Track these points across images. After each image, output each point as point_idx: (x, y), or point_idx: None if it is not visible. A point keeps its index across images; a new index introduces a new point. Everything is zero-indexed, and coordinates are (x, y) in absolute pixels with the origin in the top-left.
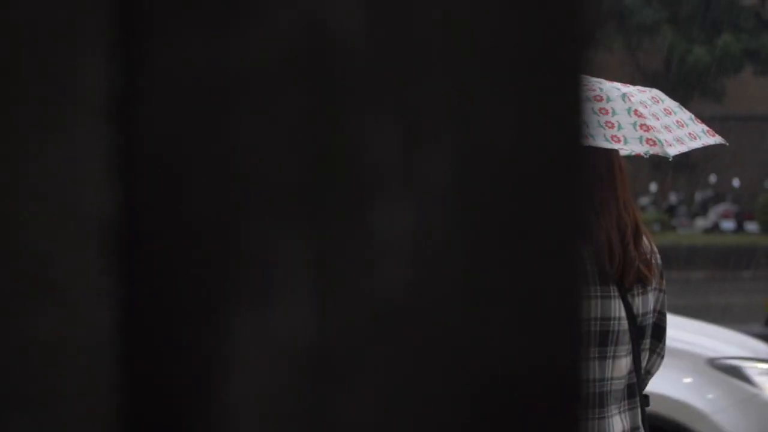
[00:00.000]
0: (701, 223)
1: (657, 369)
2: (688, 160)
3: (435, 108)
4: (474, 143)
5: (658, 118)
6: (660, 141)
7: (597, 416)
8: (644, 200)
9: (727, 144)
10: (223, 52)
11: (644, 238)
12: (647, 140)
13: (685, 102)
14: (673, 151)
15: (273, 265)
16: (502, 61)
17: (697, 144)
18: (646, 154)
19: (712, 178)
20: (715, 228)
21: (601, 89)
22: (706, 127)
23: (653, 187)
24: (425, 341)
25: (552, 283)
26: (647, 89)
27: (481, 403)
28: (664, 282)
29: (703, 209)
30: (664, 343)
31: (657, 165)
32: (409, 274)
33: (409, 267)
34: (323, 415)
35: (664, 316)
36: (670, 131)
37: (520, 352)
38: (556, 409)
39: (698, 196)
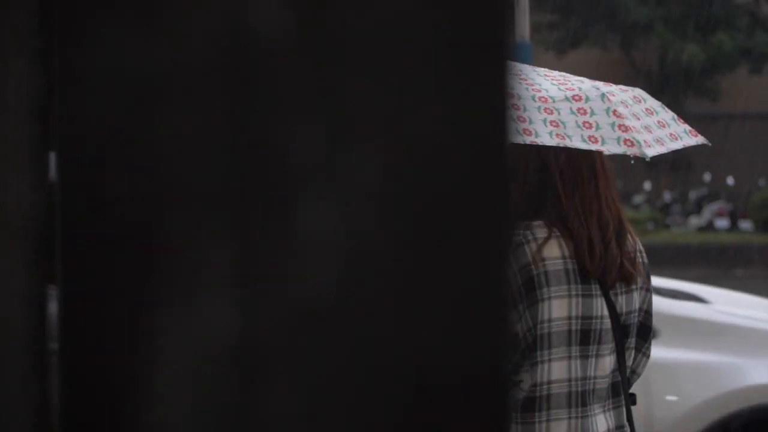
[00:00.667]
0: (695, 221)
1: (643, 369)
2: (682, 158)
3: (360, 108)
4: (400, 143)
5: (638, 118)
6: (638, 142)
7: (579, 415)
8: (638, 199)
9: (710, 144)
10: (147, 53)
11: (629, 237)
12: (625, 141)
13: (679, 100)
14: (651, 152)
15: (198, 264)
16: (428, 61)
17: (677, 145)
18: (624, 154)
19: (707, 177)
20: (709, 226)
21: (580, 89)
22: (688, 127)
23: (647, 185)
24: (350, 340)
25: (479, 282)
26: (630, 88)
27: (406, 402)
28: (650, 281)
29: (697, 208)
30: (650, 343)
31: (651, 163)
32: (334, 274)
33: (334, 266)
34: (248, 411)
35: (651, 315)
36: (650, 132)
37: (446, 352)
38: (482, 408)
39: (692, 195)
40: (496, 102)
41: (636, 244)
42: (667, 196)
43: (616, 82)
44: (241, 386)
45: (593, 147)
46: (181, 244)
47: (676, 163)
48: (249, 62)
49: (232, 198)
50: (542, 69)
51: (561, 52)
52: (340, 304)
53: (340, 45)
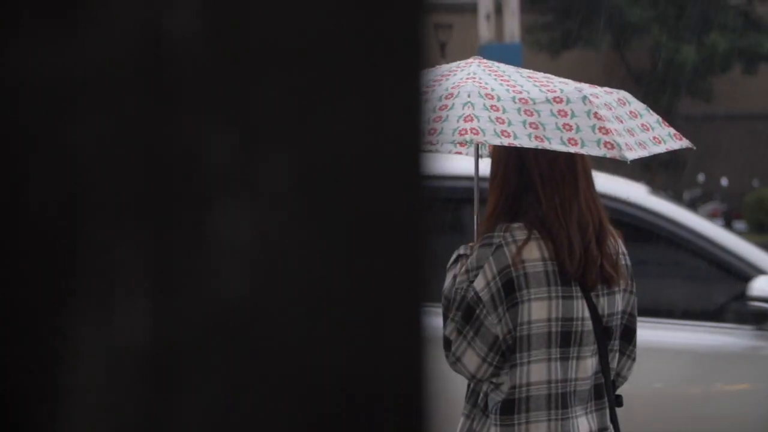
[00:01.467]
0: None
1: (629, 372)
2: (676, 159)
3: (275, 112)
4: (314, 147)
5: (621, 121)
6: (618, 144)
7: (560, 417)
8: None
9: (695, 148)
10: (60, 57)
11: (611, 239)
12: (605, 143)
13: (673, 101)
14: (632, 155)
15: (112, 269)
16: (340, 65)
17: (660, 149)
18: (603, 157)
19: (701, 178)
20: None
21: (562, 90)
22: (673, 131)
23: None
24: (264, 345)
25: (393, 287)
26: (615, 91)
27: (321, 407)
28: (633, 284)
29: (691, 208)
30: (635, 346)
31: (646, 165)
32: (248, 278)
33: (248, 271)
34: (161, 417)
35: (635, 318)
36: (632, 135)
37: (360, 357)
38: (397, 412)
39: (686, 196)
40: (410, 105)
41: (618, 246)
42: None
43: (610, 83)
44: (154, 391)
45: (572, 149)
46: (95, 249)
47: (670, 164)
48: (162, 67)
49: (146, 203)
50: (526, 70)
51: (555, 53)
52: (252, 309)
53: (253, 50)
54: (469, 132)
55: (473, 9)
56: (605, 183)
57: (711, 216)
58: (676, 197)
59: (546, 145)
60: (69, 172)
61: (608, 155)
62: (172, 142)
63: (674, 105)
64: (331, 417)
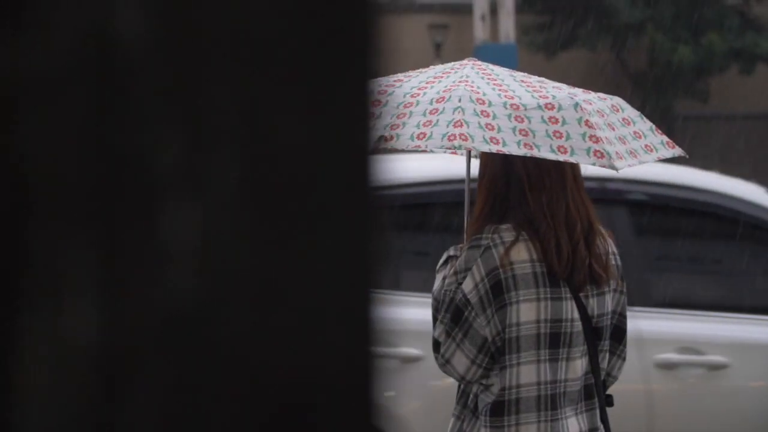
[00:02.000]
0: None
1: (619, 371)
2: (673, 159)
3: (222, 113)
4: (262, 148)
5: (613, 129)
6: (608, 153)
7: (549, 418)
8: None
9: (687, 156)
10: (6, 59)
11: (600, 239)
12: (595, 152)
13: (669, 101)
14: (621, 164)
15: (60, 268)
16: (290, 67)
17: (651, 157)
18: (592, 166)
19: None
20: None
21: (554, 97)
22: (666, 138)
23: None
24: (212, 344)
25: (342, 287)
26: (609, 97)
27: (268, 405)
28: (623, 283)
29: None
30: (625, 345)
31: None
32: (196, 278)
33: (196, 270)
34: (109, 414)
35: (625, 317)
36: (624, 143)
37: (309, 355)
38: (346, 411)
39: None
40: (358, 106)
41: (608, 246)
42: None
43: (606, 84)
44: (101, 391)
45: (561, 158)
46: (43, 251)
47: (667, 163)
48: (109, 69)
49: (96, 203)
50: (520, 74)
51: (551, 54)
52: (200, 309)
53: (201, 51)
54: (458, 138)
55: (469, 9)
56: (722, 183)
57: None
58: None
59: (535, 153)
60: (17, 175)
61: (597, 164)
62: (119, 143)
63: (671, 105)
64: (279, 414)
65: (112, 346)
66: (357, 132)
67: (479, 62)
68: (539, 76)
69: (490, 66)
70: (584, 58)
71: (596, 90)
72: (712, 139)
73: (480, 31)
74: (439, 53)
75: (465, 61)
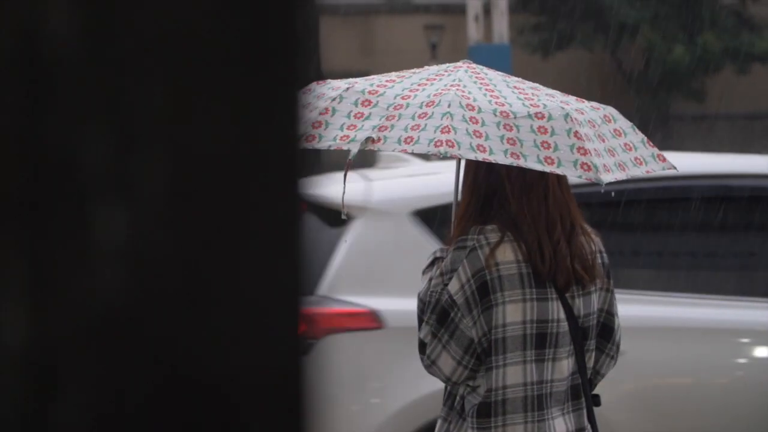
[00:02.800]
0: None
1: (608, 369)
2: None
3: (150, 114)
4: (190, 148)
5: (604, 140)
6: (595, 166)
7: (536, 419)
8: None
9: (677, 170)
10: None
11: (584, 238)
12: (582, 164)
13: (665, 101)
14: (608, 177)
15: None
16: (218, 69)
17: (640, 171)
18: (579, 178)
19: None
20: None
21: (545, 106)
22: (657, 151)
23: None
24: (142, 343)
25: (270, 288)
26: (602, 107)
27: (198, 403)
28: (611, 282)
29: None
30: (614, 343)
31: None
32: (125, 277)
33: (124, 272)
34: (39, 414)
35: (612, 315)
36: (613, 155)
37: (238, 354)
38: (274, 409)
39: None
40: (286, 108)
41: (594, 245)
42: None
43: (602, 84)
44: (33, 392)
45: (548, 168)
46: None
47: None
48: (38, 68)
49: (23, 204)
50: (514, 79)
51: (547, 54)
52: (132, 310)
53: (129, 51)
54: (444, 144)
55: (464, 10)
56: None
57: None
58: None
59: (521, 163)
60: None
61: (584, 177)
62: (48, 143)
63: (667, 105)
64: (208, 412)
65: (42, 347)
66: (285, 130)
67: (474, 65)
68: (535, 75)
69: (485, 70)
70: (580, 59)
71: (592, 90)
72: (708, 138)
73: (473, 32)
74: (435, 54)
75: (459, 64)
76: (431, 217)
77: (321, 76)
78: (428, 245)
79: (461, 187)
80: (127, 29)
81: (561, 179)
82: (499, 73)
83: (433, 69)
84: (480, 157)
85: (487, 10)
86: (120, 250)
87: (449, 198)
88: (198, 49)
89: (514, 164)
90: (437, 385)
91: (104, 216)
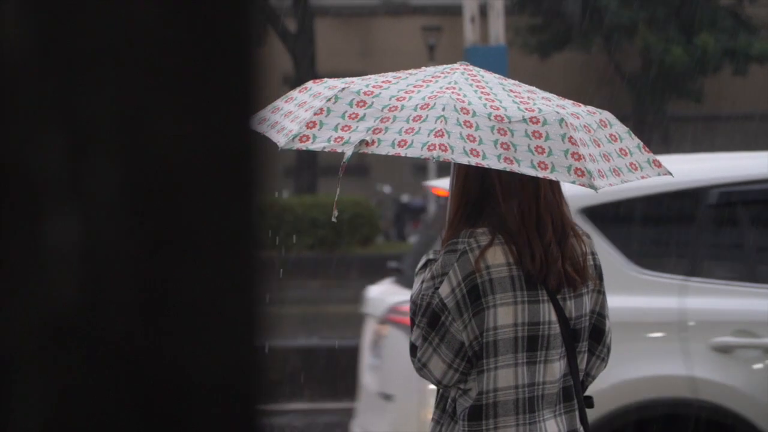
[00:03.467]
0: None
1: (599, 371)
2: None
3: (103, 119)
4: (144, 153)
5: (599, 145)
6: (589, 172)
7: (527, 421)
8: None
9: (673, 176)
10: None
11: (575, 240)
12: (576, 170)
13: (663, 103)
14: (602, 183)
15: None
16: (171, 73)
17: (635, 176)
18: (572, 184)
19: None
20: None
21: (540, 110)
22: (652, 157)
23: None
24: (94, 348)
25: (227, 291)
26: (598, 111)
27: (151, 407)
28: (602, 283)
29: None
30: (604, 345)
31: None
32: (78, 282)
33: (77, 275)
34: None
35: (604, 317)
36: (608, 160)
37: (191, 360)
38: (227, 413)
39: None
40: (239, 113)
41: (586, 246)
42: None
43: (600, 85)
44: None
45: (541, 174)
46: None
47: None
48: None
49: None
50: (511, 82)
51: (544, 55)
52: (83, 314)
53: (81, 57)
54: (437, 148)
55: (461, 11)
56: None
57: None
58: None
59: (515, 168)
60: None
61: (577, 182)
62: (0, 148)
63: (664, 106)
64: (164, 415)
65: None
66: (239, 133)
67: (470, 67)
68: (533, 77)
69: (481, 72)
70: (577, 60)
71: (589, 91)
72: (706, 139)
73: (470, 33)
74: (433, 55)
75: (456, 65)
76: (599, 215)
77: (317, 78)
78: (596, 244)
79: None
80: (79, 34)
81: (554, 182)
82: (496, 75)
83: (430, 70)
84: (473, 161)
85: (484, 12)
86: (73, 254)
87: (618, 196)
88: (150, 53)
89: (507, 169)
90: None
91: (57, 220)
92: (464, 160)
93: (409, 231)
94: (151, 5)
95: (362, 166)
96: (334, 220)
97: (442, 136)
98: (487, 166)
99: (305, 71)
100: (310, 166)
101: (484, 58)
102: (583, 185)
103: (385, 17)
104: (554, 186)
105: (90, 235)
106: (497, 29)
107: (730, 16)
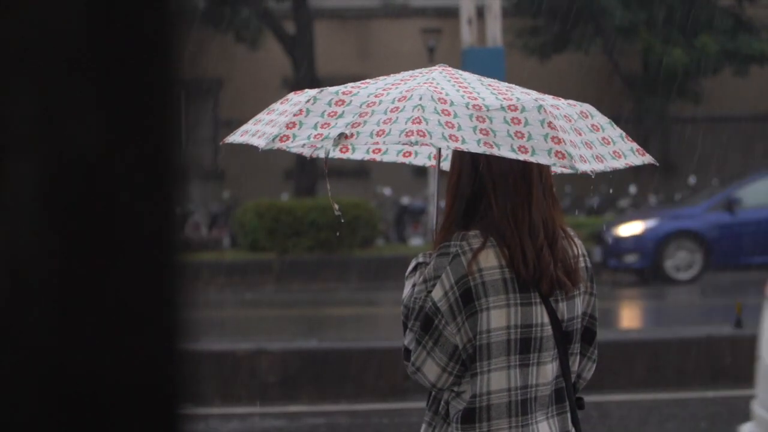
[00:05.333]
0: None
1: (590, 373)
2: (667, 161)
3: (19, 119)
4: (61, 154)
5: (580, 134)
6: (570, 154)
7: (520, 424)
8: (624, 202)
9: (657, 164)
10: None
11: (566, 243)
12: (556, 153)
13: (663, 104)
14: (584, 167)
15: None
16: (90, 72)
17: (619, 163)
18: (554, 166)
19: (692, 180)
20: None
21: (518, 99)
22: (636, 146)
23: (633, 189)
24: (14, 350)
25: (144, 290)
26: (578, 104)
27: (71, 409)
28: (593, 285)
29: None
30: (596, 347)
31: (637, 167)
32: None
33: None
34: None
35: (596, 319)
36: (590, 147)
37: (110, 361)
38: (145, 413)
39: (678, 198)
40: (160, 113)
41: (577, 249)
42: (653, 200)
43: (600, 87)
44: None
45: (522, 157)
46: None
47: (661, 166)
48: None
49: None
50: (489, 80)
51: (544, 57)
52: (3, 316)
53: None
54: (415, 134)
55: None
56: None
57: None
58: (668, 199)
59: (495, 151)
60: None
61: (558, 165)
62: None
63: (664, 107)
64: (84, 417)
65: None
66: (159, 134)
67: (449, 68)
68: (532, 79)
69: (460, 72)
70: (577, 61)
71: (590, 93)
72: (706, 140)
73: (467, 35)
74: (432, 57)
75: (435, 67)
76: None
77: (316, 80)
78: None
79: (438, 191)
80: None
81: (545, 185)
82: (475, 75)
83: (408, 72)
84: (453, 145)
85: (481, 14)
86: None
87: None
88: (69, 55)
89: (487, 152)
90: None
91: None
92: (443, 144)
93: (409, 233)
94: (69, 3)
95: (362, 168)
96: (338, 213)
97: (419, 123)
98: (466, 150)
99: (304, 74)
100: (310, 168)
101: (481, 60)
102: (564, 168)
103: (385, 19)
104: (545, 188)
105: (8, 237)
106: (494, 31)
107: (730, 16)
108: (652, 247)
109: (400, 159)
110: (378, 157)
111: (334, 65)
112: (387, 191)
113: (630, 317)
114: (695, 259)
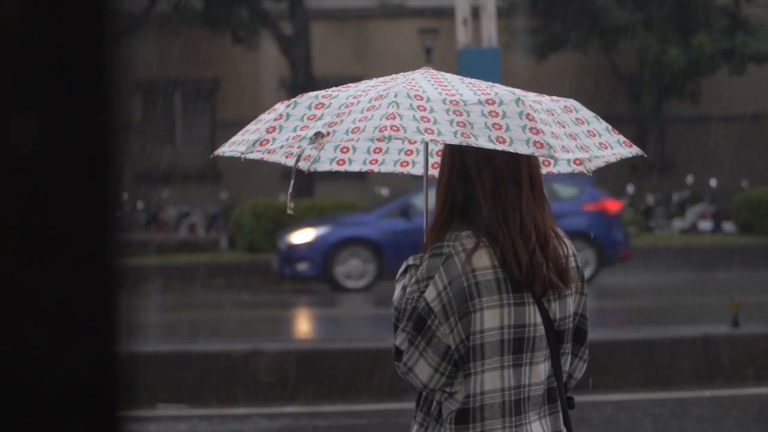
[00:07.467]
0: (679, 223)
1: (581, 373)
2: (665, 160)
3: None
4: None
5: (564, 126)
6: (549, 144)
7: (514, 424)
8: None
9: (645, 155)
10: None
11: (558, 243)
12: (535, 142)
13: (660, 103)
14: (567, 156)
15: None
16: (29, 73)
17: (606, 153)
18: (532, 155)
19: (689, 179)
20: (692, 229)
21: (496, 93)
22: (622, 138)
23: (630, 188)
24: None
25: (82, 293)
26: (562, 99)
27: (12, 411)
28: (584, 285)
29: (680, 210)
30: (587, 347)
31: (634, 166)
32: None
33: None
34: None
35: (586, 319)
36: (574, 139)
37: (49, 362)
38: (91, 416)
39: (675, 197)
40: (96, 112)
41: (568, 248)
42: (650, 199)
43: (597, 86)
44: None
45: (500, 147)
46: None
47: (659, 165)
48: None
49: None
50: (470, 79)
51: (542, 57)
52: None
53: None
54: (389, 129)
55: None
56: None
57: (700, 217)
58: (665, 199)
59: (472, 142)
60: None
61: (537, 154)
62: None
63: (661, 106)
64: (25, 417)
65: None
66: (96, 135)
67: (433, 71)
68: (529, 78)
69: (443, 73)
70: (574, 61)
71: (587, 92)
72: (703, 139)
73: (462, 36)
74: (429, 57)
75: (419, 70)
76: None
77: (313, 81)
78: None
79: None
80: None
81: (535, 186)
82: (458, 76)
83: (391, 76)
84: (427, 138)
85: (477, 14)
86: None
87: None
88: (8, 53)
89: (464, 143)
90: None
91: None
92: (418, 137)
93: None
94: (9, 4)
95: None
96: (290, 212)
97: (393, 118)
98: (442, 142)
99: (301, 74)
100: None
101: (476, 60)
102: (544, 156)
103: (382, 20)
104: (536, 190)
105: None
106: (490, 31)
107: (727, 16)
108: (322, 254)
109: (398, 169)
110: (376, 168)
111: (332, 66)
112: (384, 192)
113: (300, 326)
114: (368, 268)
